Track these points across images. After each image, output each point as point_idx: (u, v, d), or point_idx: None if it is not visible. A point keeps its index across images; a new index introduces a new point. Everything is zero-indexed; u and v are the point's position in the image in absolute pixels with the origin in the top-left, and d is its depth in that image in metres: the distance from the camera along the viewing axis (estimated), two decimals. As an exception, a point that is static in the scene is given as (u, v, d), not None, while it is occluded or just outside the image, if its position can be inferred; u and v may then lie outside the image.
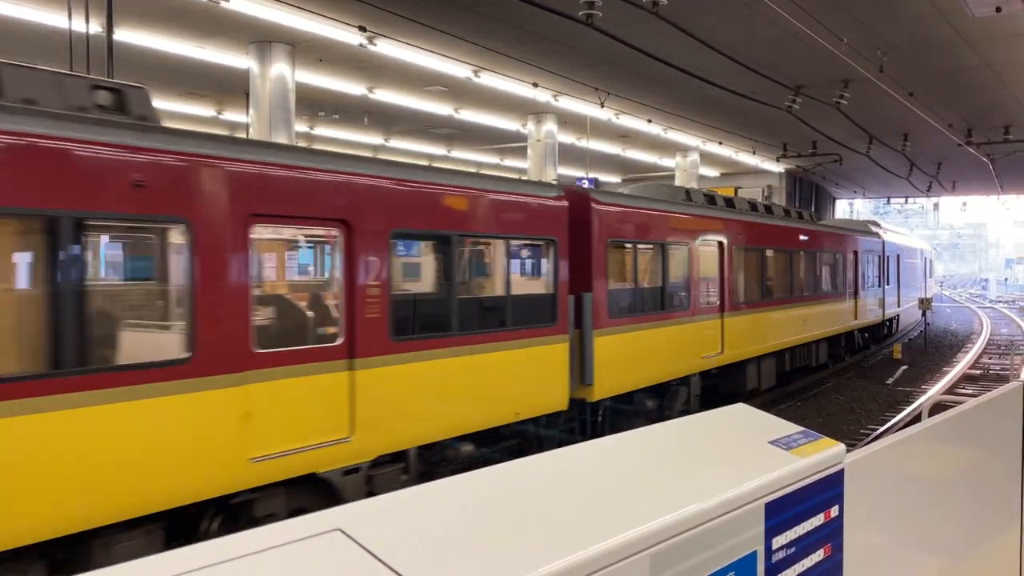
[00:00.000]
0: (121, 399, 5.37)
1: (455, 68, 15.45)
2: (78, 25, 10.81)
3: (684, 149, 26.65)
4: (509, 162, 28.25)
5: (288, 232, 7.18)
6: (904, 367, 22.03)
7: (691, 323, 12.73)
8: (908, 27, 13.53)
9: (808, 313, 18.11)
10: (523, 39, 14.08)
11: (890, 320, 27.69)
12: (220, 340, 5.97)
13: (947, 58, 15.39)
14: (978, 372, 21.14)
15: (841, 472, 1.87)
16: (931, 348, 26.58)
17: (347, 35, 13.20)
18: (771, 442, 1.81)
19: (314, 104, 18.76)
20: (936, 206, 56.78)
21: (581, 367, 10.12)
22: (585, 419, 10.46)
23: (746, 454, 1.73)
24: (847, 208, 51.62)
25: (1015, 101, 19.01)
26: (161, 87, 17.29)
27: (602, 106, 18.28)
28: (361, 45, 13.47)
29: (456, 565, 1.11)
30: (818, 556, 1.77)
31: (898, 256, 28.12)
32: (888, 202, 50.17)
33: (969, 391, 17.65)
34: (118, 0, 11.04)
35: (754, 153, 27.09)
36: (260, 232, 6.49)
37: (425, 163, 29.03)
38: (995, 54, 15.15)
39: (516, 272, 9.50)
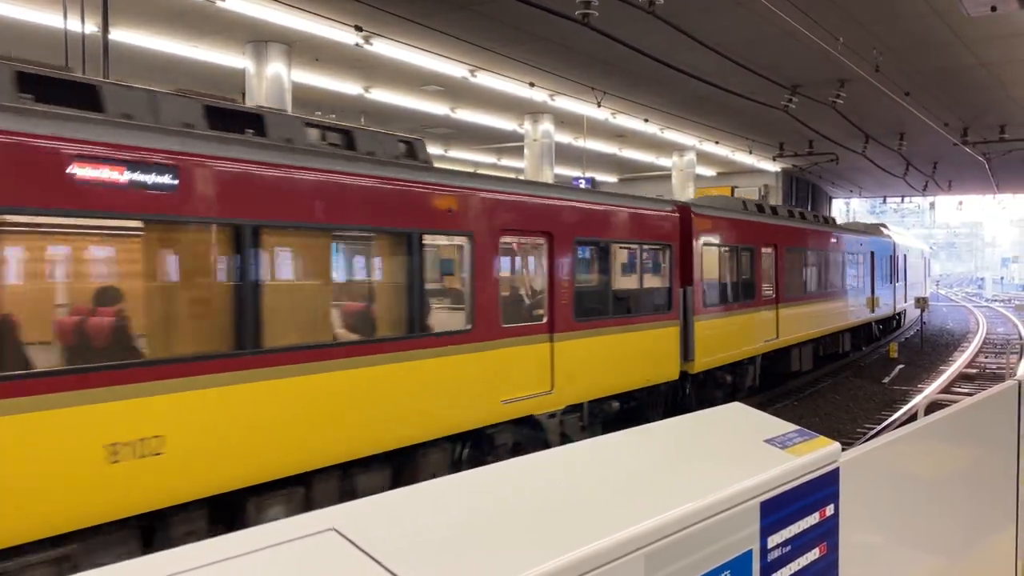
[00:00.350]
0: (436, 356, 7.91)
1: (451, 68, 15.44)
2: (73, 25, 10.78)
3: (681, 148, 26.65)
4: (506, 161, 28.23)
5: (515, 242, 9.74)
6: (900, 366, 22.06)
7: (757, 312, 15.46)
8: (904, 26, 13.55)
9: (837, 306, 20.70)
10: (519, 39, 14.07)
11: (899, 314, 30.37)
12: (486, 317, 8.53)
13: (943, 58, 15.41)
14: (974, 371, 21.18)
15: (836, 471, 1.87)
16: (927, 347, 26.63)
17: (343, 35, 13.18)
18: (766, 441, 1.81)
19: (310, 104, 18.73)
20: (932, 205, 56.90)
21: (684, 346, 12.75)
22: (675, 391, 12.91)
23: (741, 453, 1.73)
24: (843, 207, 51.72)
25: (1011, 100, 19.04)
26: (155, 86, 17.25)
27: (599, 105, 18.28)
28: (357, 45, 13.45)
29: (450, 564, 1.11)
30: (814, 555, 1.77)
31: (905, 256, 30.54)
32: (884, 201, 50.24)
33: (965, 390, 17.68)
34: (113, 0, 11.01)
35: (750, 152, 27.11)
36: (505, 242, 9.13)
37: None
38: (991, 54, 15.18)
39: (642, 270, 12.19)
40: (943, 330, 33.70)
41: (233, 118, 6.88)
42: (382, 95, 17.83)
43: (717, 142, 25.45)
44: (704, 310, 13.22)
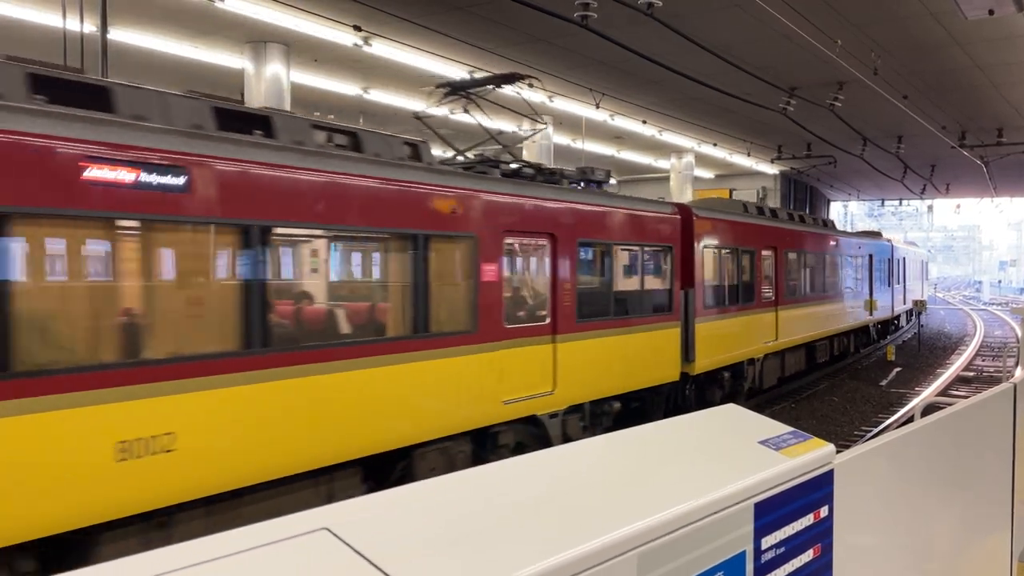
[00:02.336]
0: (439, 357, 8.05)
1: (450, 69, 15.45)
2: (72, 24, 10.78)
3: (679, 150, 26.67)
4: (504, 163, 28.22)
5: (518, 242, 9.63)
6: (898, 369, 22.09)
7: (756, 315, 15.72)
8: (902, 29, 13.57)
9: (835, 308, 20.98)
10: (518, 40, 14.09)
11: (897, 317, 30.24)
12: (489, 317, 8.70)
13: (940, 60, 15.43)
14: (971, 374, 21.20)
15: (831, 473, 1.87)
16: (925, 350, 26.66)
17: (342, 35, 13.19)
18: (761, 442, 1.81)
19: (309, 104, 18.74)
20: (930, 208, 56.93)
21: (685, 347, 12.93)
22: (673, 393, 13.05)
23: (736, 454, 1.73)
24: (841, 210, 51.77)
25: (1008, 104, 19.07)
26: (154, 86, 17.25)
27: (597, 107, 18.29)
28: (356, 45, 13.46)
29: (443, 564, 1.10)
30: (807, 556, 1.76)
31: (904, 259, 30.66)
32: (882, 204, 50.30)
33: (962, 393, 17.70)
34: (112, -1, 11.02)
35: (749, 155, 27.13)
36: (507, 243, 9.18)
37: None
38: (988, 56, 15.20)
39: (644, 272, 12.26)
40: (940, 333, 33.74)
41: (244, 120, 7.02)
42: (381, 96, 17.83)
43: (715, 144, 25.48)
44: (704, 312, 13.40)
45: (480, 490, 1.28)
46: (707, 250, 13.65)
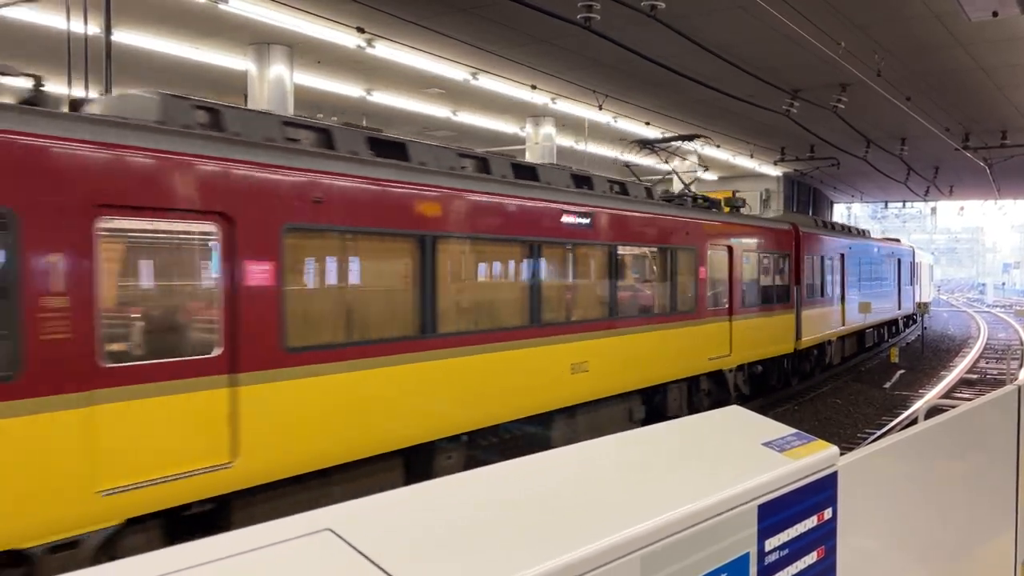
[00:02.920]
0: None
1: (453, 70, 15.46)
2: (76, 26, 10.79)
3: (682, 152, 26.63)
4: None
5: (712, 251, 14.11)
6: (901, 371, 22.04)
7: (831, 307, 20.16)
8: (905, 31, 13.55)
9: (878, 303, 25.37)
10: (521, 41, 14.08)
11: (914, 313, 34.42)
12: (702, 303, 13.27)
13: (944, 62, 15.41)
14: (975, 376, 21.15)
15: (835, 475, 1.86)
16: (928, 352, 26.59)
17: (345, 37, 13.20)
18: (764, 444, 1.81)
19: (312, 106, 18.75)
20: (934, 210, 56.80)
21: (797, 328, 17.32)
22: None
23: (739, 456, 1.73)
24: (845, 212, 51.68)
25: (1011, 106, 19.03)
26: (157, 88, 17.26)
27: (600, 108, 18.29)
28: (359, 47, 13.47)
29: (446, 565, 1.10)
30: (811, 558, 1.76)
31: (920, 263, 36.14)
32: (886, 206, 50.21)
33: (966, 395, 17.65)
34: (116, 1, 11.03)
35: (752, 156, 27.10)
36: (708, 252, 13.95)
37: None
38: (992, 58, 15.18)
39: (774, 272, 16.55)
40: (944, 335, 33.67)
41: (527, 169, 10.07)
42: (384, 97, 17.84)
43: (719, 146, 25.44)
44: (806, 303, 17.91)
45: (483, 491, 1.28)
46: (807, 256, 18.03)
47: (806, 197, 36.22)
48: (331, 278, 7.36)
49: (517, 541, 1.20)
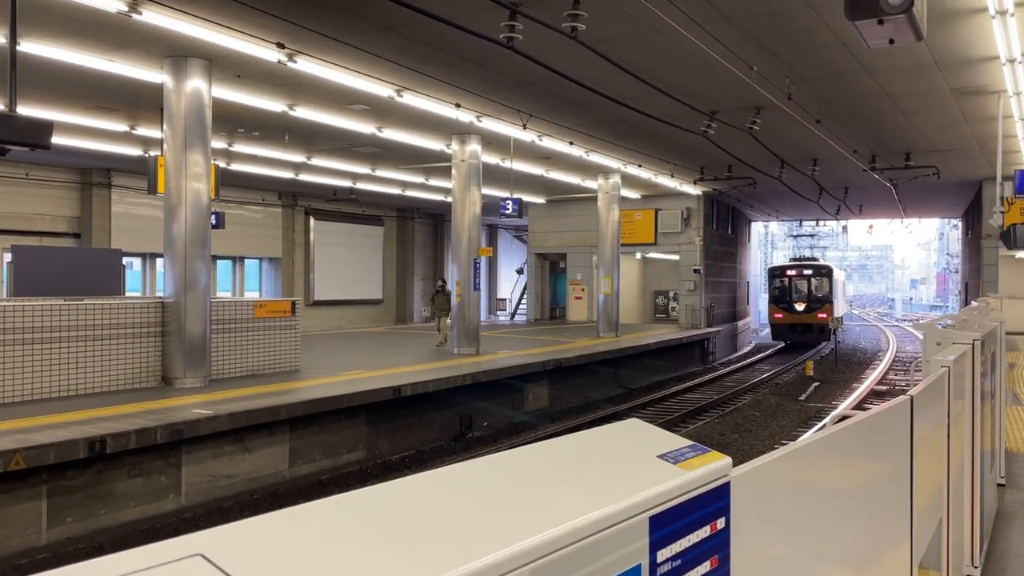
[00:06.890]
0: None
1: (377, 87, 15.39)
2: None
3: (606, 171, 27.10)
4: (435, 181, 28.19)
5: None
6: (816, 384, 22.80)
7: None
8: (814, 57, 14.13)
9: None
10: (445, 60, 14.13)
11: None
12: None
13: (852, 87, 16.11)
14: (885, 388, 22.03)
15: (727, 485, 1.91)
16: (841, 365, 27.58)
17: (266, 52, 13.01)
18: (659, 456, 1.84)
19: (233, 120, 18.39)
20: (845, 229, 59.06)
21: None
22: None
23: (633, 468, 1.76)
24: (762, 230, 53.27)
25: (915, 129, 20.01)
26: (70, 101, 16.68)
27: (524, 127, 18.46)
28: (280, 62, 13.30)
29: (329, 586, 1.08)
30: (704, 568, 1.79)
31: (841, 281, 41.94)
32: (800, 224, 51.99)
33: (876, 406, 18.35)
34: (23, 11, 10.61)
35: (672, 176, 27.74)
36: None
37: (349, 182, 28.69)
38: (896, 84, 15.95)
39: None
40: (856, 349, 34.98)
41: None
42: (307, 113, 17.63)
43: (640, 165, 25.98)
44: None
45: (368, 510, 1.27)
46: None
47: (725, 216, 37.24)
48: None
49: (403, 559, 1.19)
